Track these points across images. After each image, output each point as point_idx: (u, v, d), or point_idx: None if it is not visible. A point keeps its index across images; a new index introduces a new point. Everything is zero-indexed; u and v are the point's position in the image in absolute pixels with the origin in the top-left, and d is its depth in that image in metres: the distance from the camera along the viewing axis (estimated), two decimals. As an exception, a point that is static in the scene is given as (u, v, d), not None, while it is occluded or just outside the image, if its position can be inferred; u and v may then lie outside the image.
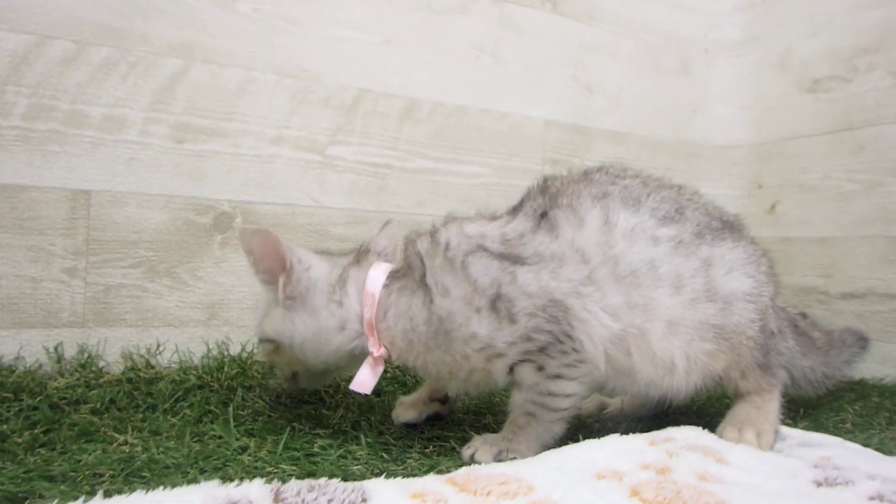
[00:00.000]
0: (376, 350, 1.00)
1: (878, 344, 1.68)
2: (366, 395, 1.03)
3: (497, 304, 0.97)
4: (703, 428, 1.06)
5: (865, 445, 1.10)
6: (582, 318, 0.98)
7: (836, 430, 1.21)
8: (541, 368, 0.98)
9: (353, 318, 1.01)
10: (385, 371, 1.42)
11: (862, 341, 1.41)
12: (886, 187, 1.70)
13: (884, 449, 1.10)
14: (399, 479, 0.83)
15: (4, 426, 1.00)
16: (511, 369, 1.00)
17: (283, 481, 0.74)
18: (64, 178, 1.27)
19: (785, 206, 1.93)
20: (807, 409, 1.35)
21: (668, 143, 1.98)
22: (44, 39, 1.26)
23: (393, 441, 1.06)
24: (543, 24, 1.77)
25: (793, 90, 1.93)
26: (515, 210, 1.09)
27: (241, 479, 0.81)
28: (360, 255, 1.06)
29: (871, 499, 0.81)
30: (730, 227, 1.12)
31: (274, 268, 1.01)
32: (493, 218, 1.09)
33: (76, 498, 0.69)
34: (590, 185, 1.07)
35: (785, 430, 1.12)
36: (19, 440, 0.96)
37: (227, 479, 0.84)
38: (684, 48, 2.02)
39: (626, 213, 1.04)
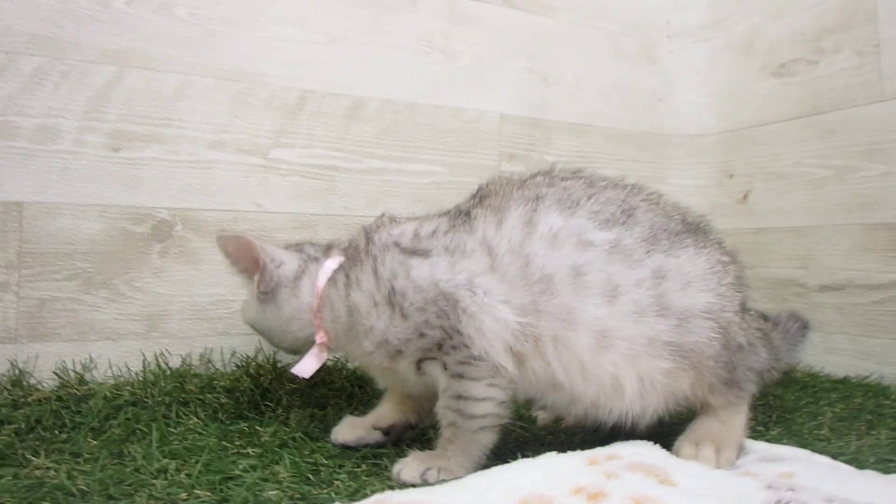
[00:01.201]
0: (318, 338, 1.06)
1: (860, 339, 1.61)
2: (304, 379, 1.11)
3: (392, 298, 0.97)
4: (657, 443, 0.96)
5: (839, 455, 1.01)
6: (470, 311, 0.93)
7: (811, 438, 1.12)
8: (445, 367, 0.95)
9: (306, 308, 1.06)
10: (333, 382, 1.38)
11: (804, 328, 1.31)
12: (860, 172, 1.62)
13: (859, 459, 1.00)
14: None
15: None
16: (419, 368, 0.98)
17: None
18: (-6, 190, 1.23)
19: (757, 195, 1.86)
20: (781, 413, 1.27)
21: (632, 133, 1.91)
22: (-33, 50, 1.22)
23: (324, 460, 0.99)
24: (495, 17, 1.71)
25: (759, 75, 1.85)
26: (447, 211, 1.06)
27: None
28: (325, 250, 1.11)
29: None
30: (693, 230, 1.03)
31: (250, 267, 1.08)
32: (424, 217, 1.06)
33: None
34: (523, 188, 1.02)
35: (750, 443, 1.02)
36: None
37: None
38: (646, 34, 1.95)
39: (553, 216, 0.97)
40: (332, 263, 1.07)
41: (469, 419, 0.94)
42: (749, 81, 1.88)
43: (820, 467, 0.92)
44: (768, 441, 1.07)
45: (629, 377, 0.94)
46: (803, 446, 1.03)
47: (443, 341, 0.95)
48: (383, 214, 1.10)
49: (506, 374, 0.94)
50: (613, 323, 0.93)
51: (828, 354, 1.66)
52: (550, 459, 0.88)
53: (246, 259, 1.08)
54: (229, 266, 1.10)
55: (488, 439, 0.95)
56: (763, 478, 0.88)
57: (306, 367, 1.07)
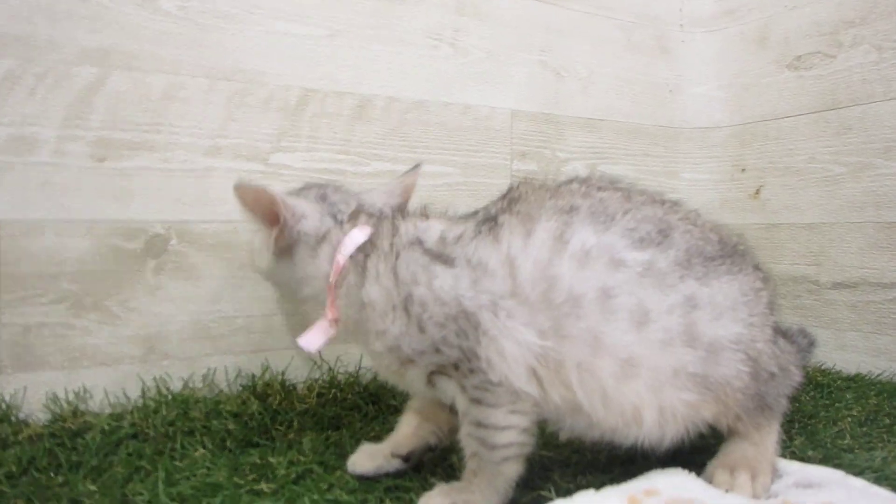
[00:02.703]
0: (329, 313, 0.96)
1: (873, 336, 1.58)
2: (309, 352, 0.98)
3: (409, 305, 0.89)
4: (687, 468, 0.92)
5: (867, 469, 0.99)
6: (491, 335, 0.85)
7: (835, 448, 1.09)
8: (463, 388, 0.88)
9: (322, 276, 0.97)
10: (345, 399, 1.30)
11: (811, 345, 1.30)
12: (876, 170, 1.57)
13: (886, 472, 0.98)
14: None
15: None
16: (430, 380, 0.92)
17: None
18: (-33, 208, 1.11)
19: (770, 191, 1.79)
20: (801, 418, 1.24)
21: (644, 127, 1.82)
22: (-68, 52, 1.09)
23: (345, 496, 0.92)
24: (506, 8, 1.60)
25: (773, 67, 1.77)
26: (475, 214, 0.98)
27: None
28: (353, 215, 1.01)
29: None
30: (729, 254, 0.96)
31: (268, 220, 0.98)
32: (454, 218, 0.99)
33: None
34: (557, 196, 0.93)
35: (782, 464, 0.99)
36: None
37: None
38: (659, 25, 1.85)
39: (586, 232, 0.89)
40: (359, 235, 0.97)
41: (491, 450, 0.87)
42: (763, 74, 1.80)
43: (857, 493, 0.89)
44: (793, 452, 1.07)
45: (650, 408, 0.89)
46: (828, 458, 1.03)
47: (459, 362, 0.88)
48: (423, 207, 1.02)
49: (528, 399, 0.88)
50: (640, 351, 0.87)
51: (840, 351, 1.63)
52: (587, 498, 0.84)
53: (265, 212, 0.97)
54: (245, 215, 0.99)
55: (513, 470, 0.88)
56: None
57: (313, 340, 0.97)
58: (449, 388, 0.91)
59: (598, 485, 0.88)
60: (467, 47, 1.56)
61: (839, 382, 1.49)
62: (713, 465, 0.95)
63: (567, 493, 0.87)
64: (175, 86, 1.26)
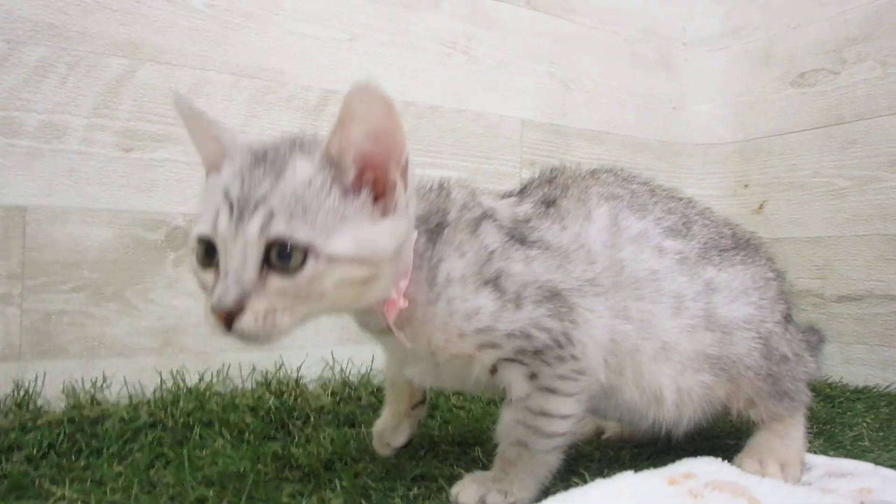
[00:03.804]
0: (399, 298, 0.81)
1: (879, 349, 1.60)
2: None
3: (502, 281, 0.84)
4: (718, 455, 0.93)
5: (892, 466, 0.98)
6: (586, 318, 0.86)
7: (855, 448, 1.11)
8: (533, 377, 0.85)
9: (405, 261, 0.82)
10: (360, 399, 1.30)
11: (821, 342, 1.31)
12: (881, 183, 1.61)
13: None
14: None
15: (-84, 482, 0.85)
16: (495, 369, 0.86)
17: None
18: (-6, 193, 1.12)
19: (774, 206, 1.83)
20: (819, 424, 1.25)
21: (648, 141, 1.87)
22: (-33, 39, 1.11)
23: (372, 484, 0.91)
24: (517, 19, 1.66)
25: (777, 84, 1.83)
26: (522, 194, 0.97)
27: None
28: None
29: None
30: (742, 246, 1.01)
31: (376, 163, 0.74)
32: (502, 195, 0.97)
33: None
34: (598, 184, 0.97)
35: (810, 457, 1.00)
36: None
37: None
38: (663, 42, 1.91)
39: (633, 218, 0.93)
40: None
41: (545, 438, 0.86)
42: (766, 91, 1.86)
43: (891, 481, 0.90)
44: (815, 452, 1.06)
45: (671, 388, 0.92)
46: (850, 457, 1.02)
47: (546, 349, 0.84)
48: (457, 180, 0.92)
49: (595, 389, 0.88)
50: (675, 335, 0.91)
51: (846, 365, 1.65)
52: (628, 479, 0.83)
53: (383, 150, 0.74)
54: (342, 141, 0.72)
55: (557, 459, 0.88)
56: (843, 493, 0.86)
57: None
58: (514, 377, 0.86)
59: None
60: (479, 56, 1.61)
61: (848, 394, 1.50)
62: (740, 457, 0.96)
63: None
64: (201, 81, 1.29)
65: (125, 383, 1.18)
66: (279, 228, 0.68)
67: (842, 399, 1.45)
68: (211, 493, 0.85)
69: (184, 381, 1.22)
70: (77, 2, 1.20)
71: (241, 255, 0.69)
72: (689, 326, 0.92)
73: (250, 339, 0.69)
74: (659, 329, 0.90)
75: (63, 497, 0.83)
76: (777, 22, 1.84)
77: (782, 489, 0.85)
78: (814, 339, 1.28)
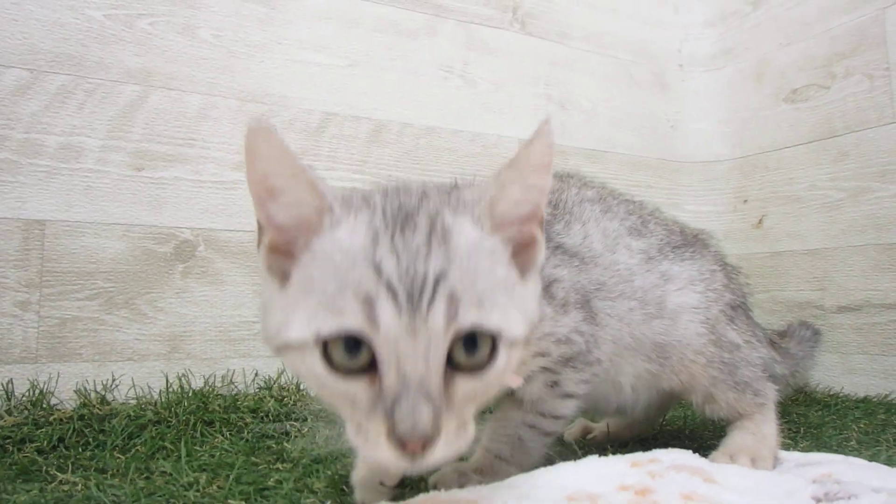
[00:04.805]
0: None
1: (880, 358, 1.60)
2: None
3: (553, 288, 0.82)
4: (695, 452, 0.96)
5: (872, 461, 0.99)
6: (605, 321, 0.91)
7: (841, 449, 1.12)
8: (554, 384, 0.86)
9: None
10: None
11: (816, 334, 1.35)
12: (874, 193, 1.64)
13: (892, 464, 0.98)
14: None
15: (-64, 467, 0.93)
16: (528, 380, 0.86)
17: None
18: (17, 208, 1.22)
19: (772, 220, 1.86)
20: (808, 428, 1.27)
21: (646, 160, 1.92)
22: (-5, 69, 1.22)
23: (359, 472, 0.98)
24: (512, 44, 1.74)
25: (771, 101, 1.88)
26: None
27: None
28: None
29: None
30: (691, 242, 1.07)
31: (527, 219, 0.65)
32: None
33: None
34: (575, 187, 1.02)
35: (784, 453, 1.02)
36: None
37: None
38: (658, 63, 1.98)
39: (607, 220, 0.99)
40: None
41: (543, 436, 0.89)
42: (761, 108, 1.90)
43: (859, 467, 0.92)
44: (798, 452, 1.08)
45: (627, 377, 0.98)
46: None
47: (577, 355, 0.86)
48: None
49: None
50: (640, 328, 0.96)
51: (847, 375, 1.65)
52: (594, 462, 0.86)
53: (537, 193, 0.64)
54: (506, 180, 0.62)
55: (545, 453, 0.90)
56: (805, 476, 0.88)
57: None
58: (536, 385, 0.86)
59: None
60: (476, 79, 1.69)
61: (848, 403, 1.50)
62: (713, 455, 0.98)
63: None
64: (208, 105, 1.39)
65: (133, 385, 1.26)
66: (471, 317, 0.54)
67: (839, 408, 1.46)
68: (203, 478, 0.91)
69: (189, 384, 1.29)
70: (94, 34, 1.30)
71: (424, 358, 0.53)
72: (647, 316, 0.97)
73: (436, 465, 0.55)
74: (632, 324, 0.95)
75: (66, 481, 0.91)
76: (768, 41, 1.90)
77: (744, 473, 0.88)
78: (807, 332, 1.34)
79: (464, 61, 1.67)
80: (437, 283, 0.54)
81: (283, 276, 0.60)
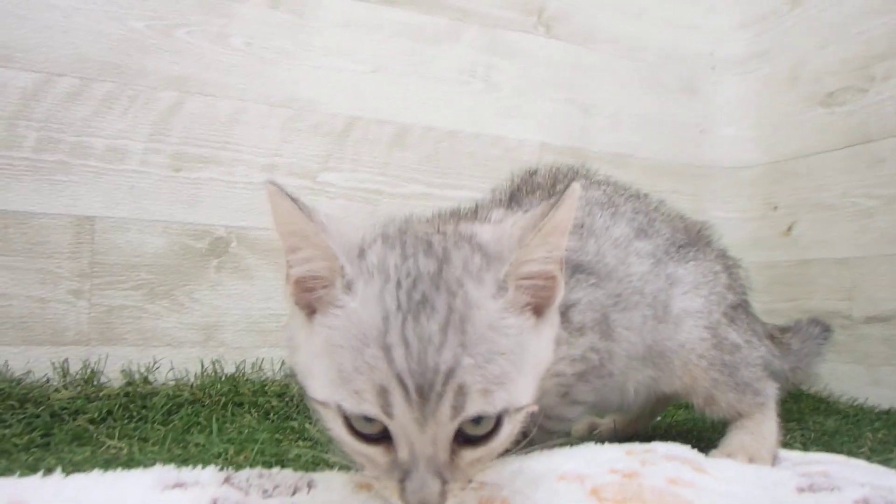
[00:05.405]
0: None
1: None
2: None
3: (569, 313, 0.92)
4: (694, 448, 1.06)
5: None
6: (621, 334, 1.01)
7: (853, 455, 1.17)
8: (565, 395, 0.98)
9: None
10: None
11: (826, 331, 1.46)
12: (909, 201, 1.73)
13: None
14: (351, 473, 0.94)
15: (7, 430, 1.22)
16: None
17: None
18: (70, 205, 1.52)
19: (802, 227, 2.01)
20: (821, 435, 1.42)
21: (673, 165, 2.14)
22: (51, 77, 1.52)
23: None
24: (536, 48, 1.98)
25: (805, 105, 2.02)
26: (514, 204, 1.06)
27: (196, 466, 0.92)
28: None
29: (856, 502, 0.80)
30: (694, 241, 1.19)
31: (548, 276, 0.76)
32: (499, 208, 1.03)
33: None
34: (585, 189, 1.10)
35: (785, 453, 1.13)
36: (18, 442, 1.18)
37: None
38: (688, 67, 2.19)
39: (616, 224, 1.08)
40: None
41: (548, 434, 0.97)
42: (794, 112, 2.06)
43: (855, 467, 1.02)
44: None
45: (633, 382, 1.11)
46: None
47: (591, 370, 0.97)
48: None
49: None
50: (648, 333, 1.08)
51: (873, 386, 1.79)
52: (589, 448, 0.98)
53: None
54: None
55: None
56: (796, 471, 0.98)
57: None
58: (547, 397, 0.95)
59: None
60: (498, 83, 1.94)
61: (870, 415, 1.65)
62: (711, 454, 1.08)
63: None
64: (240, 110, 1.68)
65: (172, 368, 1.56)
66: (476, 407, 0.65)
67: (859, 418, 1.60)
68: (231, 449, 1.18)
69: (222, 369, 1.59)
70: (136, 44, 1.60)
71: (432, 441, 0.65)
72: (656, 321, 1.07)
73: None
74: (642, 331, 1.06)
75: (113, 447, 1.18)
76: (804, 43, 2.05)
77: (735, 465, 0.99)
78: (815, 329, 1.44)
79: (486, 65, 1.93)
80: (447, 377, 0.63)
81: (311, 310, 0.72)
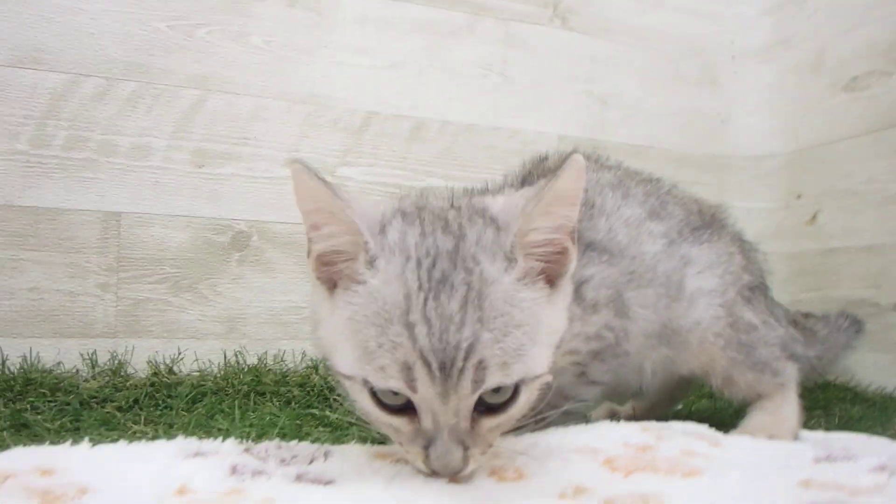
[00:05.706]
0: None
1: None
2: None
3: (582, 289, 0.96)
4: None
5: None
6: (637, 312, 1.04)
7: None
8: (581, 374, 1.02)
9: None
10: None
11: (857, 324, 1.49)
12: (937, 187, 1.73)
13: None
14: (368, 444, 1.03)
15: (39, 416, 1.29)
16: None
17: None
18: (97, 201, 1.60)
19: (827, 216, 2.01)
20: (846, 421, 1.43)
21: (694, 155, 2.17)
22: (78, 77, 1.60)
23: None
24: (553, 40, 2.02)
25: (829, 91, 2.03)
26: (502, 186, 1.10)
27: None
28: None
29: (874, 470, 0.82)
30: (709, 223, 1.22)
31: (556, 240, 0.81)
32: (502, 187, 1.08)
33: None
34: (588, 171, 1.10)
35: (805, 433, 1.14)
36: (49, 427, 1.24)
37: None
38: (708, 56, 2.21)
39: (628, 205, 1.12)
40: None
41: (565, 415, 0.98)
42: (818, 99, 2.07)
43: (879, 442, 1.04)
44: None
45: (650, 362, 1.15)
46: None
47: (606, 348, 1.01)
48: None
49: None
50: (663, 313, 1.11)
51: None
52: (605, 425, 1.01)
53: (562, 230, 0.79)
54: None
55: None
56: (817, 446, 0.99)
57: None
58: (563, 376, 0.98)
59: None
60: (515, 76, 1.98)
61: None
62: (730, 434, 1.08)
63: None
64: (260, 107, 1.74)
65: (196, 359, 1.62)
66: (496, 379, 0.71)
67: (887, 407, 1.60)
68: (253, 433, 1.24)
69: (244, 360, 1.65)
70: (159, 45, 1.67)
71: (454, 412, 0.71)
72: (669, 300, 1.10)
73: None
74: (657, 310, 1.09)
75: (139, 432, 1.24)
76: (827, 28, 2.04)
77: (751, 441, 1.00)
78: (844, 322, 1.48)
79: (503, 59, 1.97)
80: (467, 353, 0.69)
81: (332, 284, 0.78)
